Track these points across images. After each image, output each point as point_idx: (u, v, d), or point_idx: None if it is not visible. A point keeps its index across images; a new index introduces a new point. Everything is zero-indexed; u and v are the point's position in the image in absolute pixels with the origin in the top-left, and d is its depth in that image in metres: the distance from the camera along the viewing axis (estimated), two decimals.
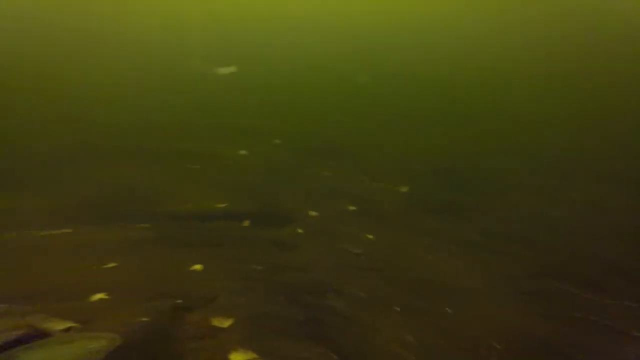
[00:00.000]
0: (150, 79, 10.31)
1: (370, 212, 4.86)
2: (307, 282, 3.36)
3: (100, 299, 2.88)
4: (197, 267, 3.70)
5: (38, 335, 2.17)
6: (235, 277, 3.45)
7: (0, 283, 2.90)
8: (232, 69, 10.66)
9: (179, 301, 3.06)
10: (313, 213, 4.77)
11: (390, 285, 3.28)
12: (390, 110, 9.38)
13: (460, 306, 3.01)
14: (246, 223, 4.51)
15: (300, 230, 4.33)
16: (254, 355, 2.45)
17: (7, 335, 2.01)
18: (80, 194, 4.91)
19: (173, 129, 7.48)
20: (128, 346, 2.33)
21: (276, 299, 3.08)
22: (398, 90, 10.54)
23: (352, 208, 4.94)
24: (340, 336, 2.59)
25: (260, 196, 5.28)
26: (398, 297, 3.09)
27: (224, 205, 4.96)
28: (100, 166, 5.76)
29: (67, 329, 2.25)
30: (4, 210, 4.25)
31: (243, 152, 6.79)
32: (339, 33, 17.54)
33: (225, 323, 2.88)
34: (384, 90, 10.79)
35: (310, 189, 5.51)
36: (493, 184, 5.73)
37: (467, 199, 5.23)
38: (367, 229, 4.40)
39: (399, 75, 12.14)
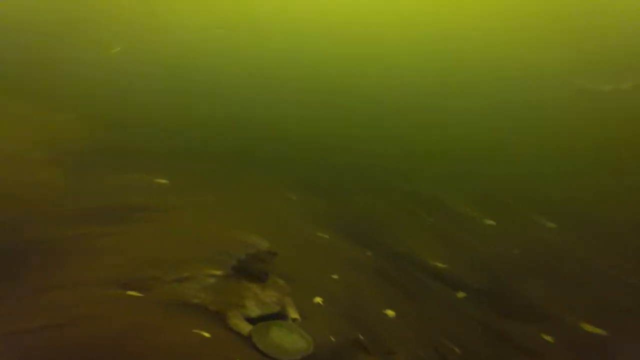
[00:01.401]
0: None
1: None
2: None
3: (317, 303, 3.66)
4: (390, 312, 3.83)
5: (283, 316, 3.09)
6: (425, 345, 3.28)
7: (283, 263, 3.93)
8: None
9: (361, 337, 3.34)
10: (588, 327, 3.47)
11: None
12: None
13: None
14: (461, 294, 4.18)
15: (548, 338, 3.29)
16: None
17: (272, 307, 3.02)
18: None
19: (412, 172, 7.67)
20: (314, 356, 2.86)
21: None
22: None
23: None
24: None
25: (496, 274, 4.49)
26: None
27: (443, 265, 4.76)
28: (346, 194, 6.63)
29: (294, 320, 3.11)
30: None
31: (490, 222, 5.95)
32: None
33: None
34: None
35: (589, 289, 4.15)
36: None
37: None
38: None
39: None
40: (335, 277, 4.35)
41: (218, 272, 3.21)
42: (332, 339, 3.17)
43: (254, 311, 2.98)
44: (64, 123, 5.00)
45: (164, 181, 6.07)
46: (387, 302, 3.98)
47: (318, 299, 3.71)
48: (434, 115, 10.03)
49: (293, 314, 3.19)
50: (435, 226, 5.94)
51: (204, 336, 2.77)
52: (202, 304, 3.03)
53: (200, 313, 3.00)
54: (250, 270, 3.04)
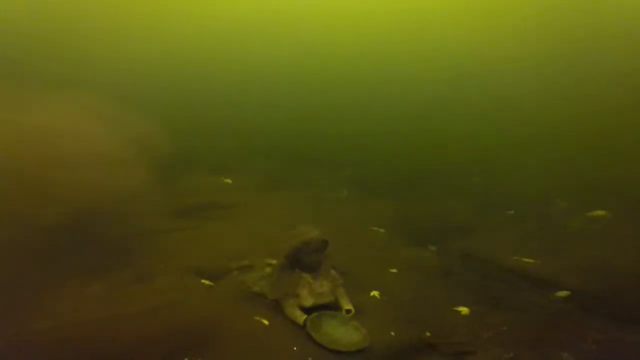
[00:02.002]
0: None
1: None
2: None
3: (373, 296, 3.46)
4: (463, 310, 3.43)
5: (335, 307, 2.96)
6: (514, 347, 2.80)
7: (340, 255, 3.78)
8: None
9: (428, 334, 3.04)
10: None
11: None
12: None
13: None
14: (563, 294, 3.56)
15: None
16: None
17: (325, 297, 2.92)
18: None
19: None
20: (370, 351, 2.66)
21: None
22: None
23: None
24: None
25: (612, 273, 3.75)
26: None
27: (532, 261, 4.15)
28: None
29: (348, 311, 2.94)
30: None
31: (600, 212, 4.86)
32: None
33: None
34: None
35: None
36: None
37: None
38: None
39: None
40: (393, 271, 4.09)
41: (273, 262, 3.31)
42: (392, 333, 2.94)
43: (308, 300, 2.92)
44: (140, 127, 5.63)
45: (229, 181, 6.49)
46: (457, 299, 3.57)
47: (374, 293, 3.51)
48: (491, 106, 9.20)
49: (346, 305, 3.02)
50: (518, 219, 5.23)
51: (264, 324, 2.88)
52: (261, 292, 3.15)
53: (260, 301, 3.12)
54: (303, 259, 3.04)
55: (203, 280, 3.56)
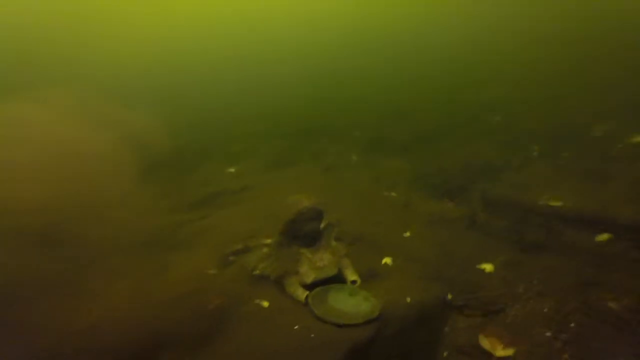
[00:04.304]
0: None
1: None
2: None
3: (386, 263, 3.12)
4: (487, 266, 3.09)
5: (341, 279, 2.69)
6: (551, 297, 2.51)
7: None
8: None
9: (450, 296, 2.75)
10: None
11: None
12: None
13: None
14: (604, 237, 3.12)
15: None
16: None
17: (328, 270, 2.67)
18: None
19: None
20: (386, 317, 2.38)
21: None
22: None
23: None
24: None
25: None
26: None
27: (561, 203, 3.56)
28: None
29: (353, 282, 2.63)
30: None
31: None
32: None
33: (501, 350, 2.25)
34: None
35: None
36: None
37: None
38: None
39: None
40: (407, 234, 3.75)
41: (268, 241, 3.08)
42: (408, 300, 2.60)
43: (309, 276, 2.63)
44: (141, 126, 5.52)
45: (232, 170, 6.32)
46: (481, 255, 3.19)
47: (387, 259, 3.15)
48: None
49: (351, 275, 2.71)
50: (545, 158, 4.59)
51: (263, 306, 2.69)
52: (262, 274, 2.94)
53: (263, 283, 2.92)
54: (299, 232, 2.76)
55: (209, 270, 3.43)
